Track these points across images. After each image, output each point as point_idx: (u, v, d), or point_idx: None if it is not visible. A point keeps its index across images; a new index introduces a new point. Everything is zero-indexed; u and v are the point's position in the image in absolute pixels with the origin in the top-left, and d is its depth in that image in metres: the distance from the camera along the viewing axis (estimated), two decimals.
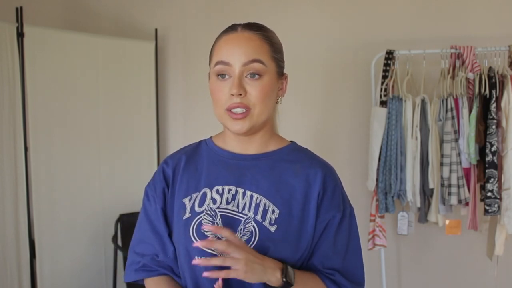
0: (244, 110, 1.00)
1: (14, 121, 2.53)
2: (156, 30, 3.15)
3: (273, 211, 1.01)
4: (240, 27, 1.04)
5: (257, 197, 1.03)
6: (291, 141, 1.13)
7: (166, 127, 3.33)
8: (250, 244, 0.99)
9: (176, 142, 3.32)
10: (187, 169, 1.10)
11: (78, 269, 2.79)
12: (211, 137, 1.16)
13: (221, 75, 1.01)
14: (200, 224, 1.02)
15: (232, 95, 0.99)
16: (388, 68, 2.60)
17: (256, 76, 1.00)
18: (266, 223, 1.00)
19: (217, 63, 1.02)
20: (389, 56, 2.61)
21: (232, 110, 1.00)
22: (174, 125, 3.33)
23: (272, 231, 1.00)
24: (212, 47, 1.07)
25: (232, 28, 1.05)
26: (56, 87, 2.69)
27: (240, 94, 0.99)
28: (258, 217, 1.01)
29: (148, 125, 3.12)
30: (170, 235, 1.08)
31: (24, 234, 2.56)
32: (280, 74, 1.07)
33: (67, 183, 2.73)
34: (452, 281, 2.90)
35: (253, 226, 1.00)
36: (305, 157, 1.09)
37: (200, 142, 1.16)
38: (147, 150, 3.12)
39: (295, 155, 1.09)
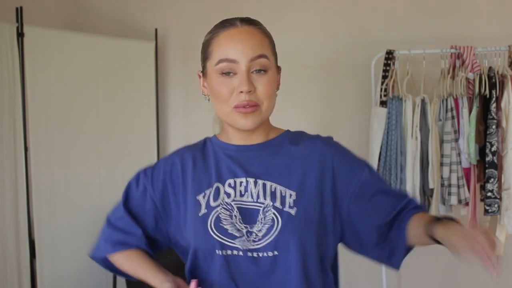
0: (252, 106, 1.00)
1: (14, 121, 2.53)
2: (156, 30, 3.15)
3: (290, 195, 1.01)
4: (239, 21, 1.02)
5: (271, 185, 1.03)
6: (286, 129, 1.15)
7: (166, 127, 3.33)
8: (273, 231, 0.99)
9: (176, 142, 3.32)
10: (196, 166, 1.09)
11: (78, 269, 2.79)
12: (214, 135, 1.15)
13: (225, 73, 0.99)
14: (218, 218, 1.02)
15: (241, 92, 0.98)
16: (388, 68, 2.60)
17: (263, 72, 1.00)
18: (286, 208, 1.00)
19: (221, 61, 0.99)
20: (389, 56, 2.61)
21: (241, 107, 1.00)
22: (174, 125, 3.33)
23: (293, 214, 1.00)
24: (208, 43, 1.03)
25: (231, 23, 1.02)
26: (56, 87, 2.68)
27: (251, 91, 0.98)
28: (277, 204, 1.01)
29: (148, 125, 3.12)
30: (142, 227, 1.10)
31: (24, 234, 2.55)
32: (277, 69, 1.07)
33: (67, 183, 2.73)
34: (452, 281, 2.90)
35: (274, 214, 1.00)
36: (304, 137, 1.12)
37: (204, 140, 1.15)
38: (147, 150, 3.12)
39: (295, 137, 1.11)
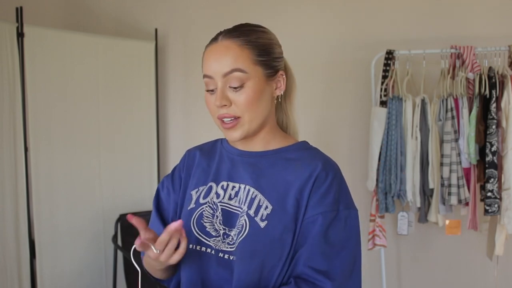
0: (232, 119, 1.01)
1: (14, 121, 2.53)
2: (156, 30, 3.15)
3: (266, 207, 1.01)
4: (221, 36, 1.03)
5: (253, 192, 1.03)
6: (302, 141, 1.12)
7: (166, 127, 3.33)
8: (239, 236, 1.00)
9: (176, 142, 3.32)
10: (200, 165, 1.14)
11: (78, 269, 2.79)
12: None
13: (209, 89, 1.03)
14: (201, 215, 1.06)
15: (218, 107, 1.01)
16: (388, 68, 2.60)
17: (238, 87, 1.00)
18: (257, 219, 1.00)
19: (204, 77, 1.04)
20: (389, 56, 2.61)
21: (222, 119, 1.03)
22: (174, 125, 3.33)
23: (262, 227, 0.99)
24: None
25: (214, 38, 1.04)
26: (56, 87, 2.69)
27: (225, 105, 1.00)
28: (251, 212, 1.02)
29: (148, 125, 3.12)
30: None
31: (24, 234, 2.55)
32: (272, 74, 1.05)
33: (67, 183, 2.73)
34: (452, 281, 2.90)
35: (245, 220, 1.01)
36: (308, 155, 1.07)
37: (216, 140, 1.20)
38: (147, 150, 3.12)
39: (299, 153, 1.08)
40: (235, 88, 1.00)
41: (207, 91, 1.04)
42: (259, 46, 1.03)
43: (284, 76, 1.08)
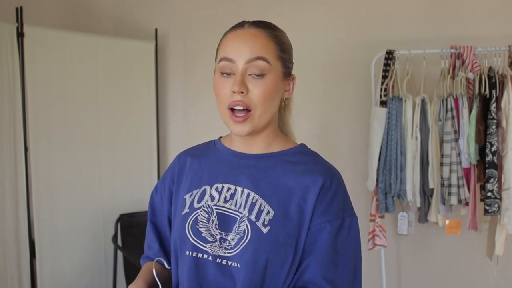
0: (244, 108, 0.98)
1: (14, 121, 2.53)
2: (156, 30, 3.15)
3: (268, 212, 0.99)
4: (248, 24, 1.03)
5: (253, 196, 1.01)
6: (300, 144, 1.11)
7: (166, 127, 3.33)
8: (241, 243, 0.97)
9: (176, 142, 3.32)
10: (192, 167, 1.11)
11: (78, 269, 2.79)
12: (220, 137, 1.16)
13: (225, 72, 1.00)
14: (196, 220, 1.03)
15: (234, 92, 0.97)
16: (388, 68, 2.60)
17: (260, 76, 0.98)
18: (259, 224, 0.98)
19: (221, 60, 1.00)
20: (389, 56, 2.60)
21: (233, 108, 0.99)
22: (174, 125, 3.33)
23: (265, 232, 0.97)
24: (219, 44, 1.05)
25: (239, 24, 1.03)
26: (56, 87, 2.69)
27: (242, 92, 0.97)
28: (252, 217, 0.99)
29: (148, 125, 3.12)
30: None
31: (24, 234, 2.56)
32: (287, 74, 1.05)
33: (67, 183, 2.73)
34: (452, 281, 2.90)
35: (246, 225, 0.98)
36: (309, 160, 1.06)
37: (209, 142, 1.17)
38: (147, 150, 3.13)
39: (299, 157, 1.06)
40: (256, 76, 0.98)
41: (222, 74, 1.00)
42: (281, 43, 1.04)
43: (294, 81, 1.08)
